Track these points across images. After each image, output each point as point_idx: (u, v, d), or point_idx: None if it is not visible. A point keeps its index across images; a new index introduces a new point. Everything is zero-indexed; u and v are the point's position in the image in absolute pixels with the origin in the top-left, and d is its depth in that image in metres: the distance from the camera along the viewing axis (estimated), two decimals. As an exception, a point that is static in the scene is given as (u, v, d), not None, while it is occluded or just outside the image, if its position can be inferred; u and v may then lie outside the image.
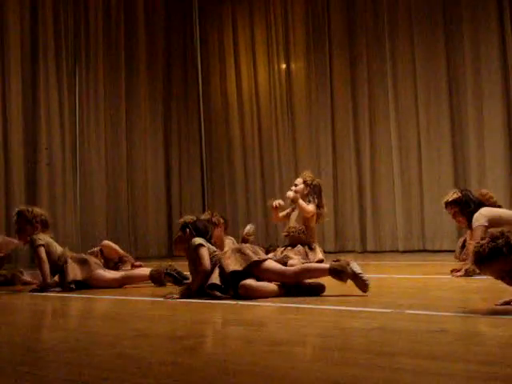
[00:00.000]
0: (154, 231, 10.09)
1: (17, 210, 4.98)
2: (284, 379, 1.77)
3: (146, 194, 10.20)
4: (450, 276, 4.55)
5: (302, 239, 5.77)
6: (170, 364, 2.04)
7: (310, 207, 5.88)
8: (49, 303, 4.18)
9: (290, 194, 5.95)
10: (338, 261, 3.59)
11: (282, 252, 5.77)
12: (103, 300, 4.24)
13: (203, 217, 4.94)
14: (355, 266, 3.51)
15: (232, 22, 10.57)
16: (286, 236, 5.93)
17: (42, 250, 4.76)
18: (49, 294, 4.54)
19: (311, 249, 5.77)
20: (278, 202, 5.95)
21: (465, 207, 4.80)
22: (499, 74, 7.81)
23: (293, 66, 9.86)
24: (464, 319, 2.70)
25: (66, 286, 4.68)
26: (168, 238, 10.26)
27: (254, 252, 3.78)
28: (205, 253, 3.83)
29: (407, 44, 8.54)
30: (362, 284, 3.48)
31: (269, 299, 3.53)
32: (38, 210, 5.00)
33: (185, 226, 4.04)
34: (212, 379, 1.83)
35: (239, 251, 3.78)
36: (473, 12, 8.03)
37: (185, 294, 3.76)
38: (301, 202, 5.84)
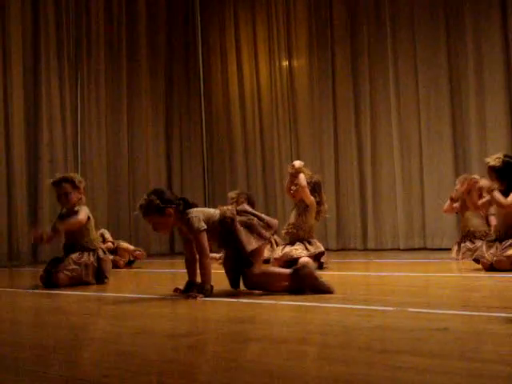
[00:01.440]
0: (155, 228, 10.06)
1: (61, 176, 4.91)
2: (285, 377, 1.77)
3: (148, 191, 10.17)
4: (451, 274, 4.55)
5: (299, 236, 5.75)
6: (171, 361, 2.03)
7: (311, 198, 5.74)
8: (49, 300, 4.18)
9: (297, 162, 5.72)
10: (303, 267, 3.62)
11: (282, 250, 5.76)
12: (103, 297, 4.24)
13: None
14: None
15: (234, 18, 10.55)
16: (285, 234, 5.90)
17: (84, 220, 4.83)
18: (49, 291, 4.54)
19: (310, 243, 5.73)
20: (294, 166, 5.60)
21: (504, 175, 4.60)
22: (501, 69, 7.77)
23: (295, 62, 9.84)
24: (466, 317, 2.69)
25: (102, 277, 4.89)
26: (170, 235, 10.25)
27: (264, 228, 3.62)
28: (206, 239, 3.65)
29: (409, 40, 8.52)
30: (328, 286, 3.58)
31: (269, 297, 3.53)
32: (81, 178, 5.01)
33: (160, 207, 3.83)
34: (213, 377, 1.82)
35: (249, 227, 3.60)
36: (475, 6, 8.00)
37: (208, 294, 3.61)
38: (302, 177, 5.59)
